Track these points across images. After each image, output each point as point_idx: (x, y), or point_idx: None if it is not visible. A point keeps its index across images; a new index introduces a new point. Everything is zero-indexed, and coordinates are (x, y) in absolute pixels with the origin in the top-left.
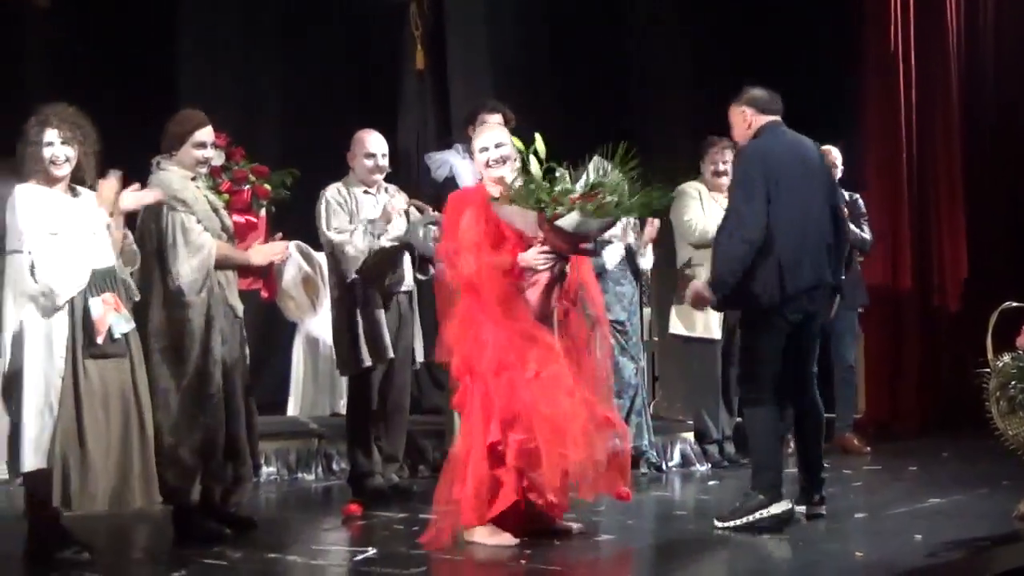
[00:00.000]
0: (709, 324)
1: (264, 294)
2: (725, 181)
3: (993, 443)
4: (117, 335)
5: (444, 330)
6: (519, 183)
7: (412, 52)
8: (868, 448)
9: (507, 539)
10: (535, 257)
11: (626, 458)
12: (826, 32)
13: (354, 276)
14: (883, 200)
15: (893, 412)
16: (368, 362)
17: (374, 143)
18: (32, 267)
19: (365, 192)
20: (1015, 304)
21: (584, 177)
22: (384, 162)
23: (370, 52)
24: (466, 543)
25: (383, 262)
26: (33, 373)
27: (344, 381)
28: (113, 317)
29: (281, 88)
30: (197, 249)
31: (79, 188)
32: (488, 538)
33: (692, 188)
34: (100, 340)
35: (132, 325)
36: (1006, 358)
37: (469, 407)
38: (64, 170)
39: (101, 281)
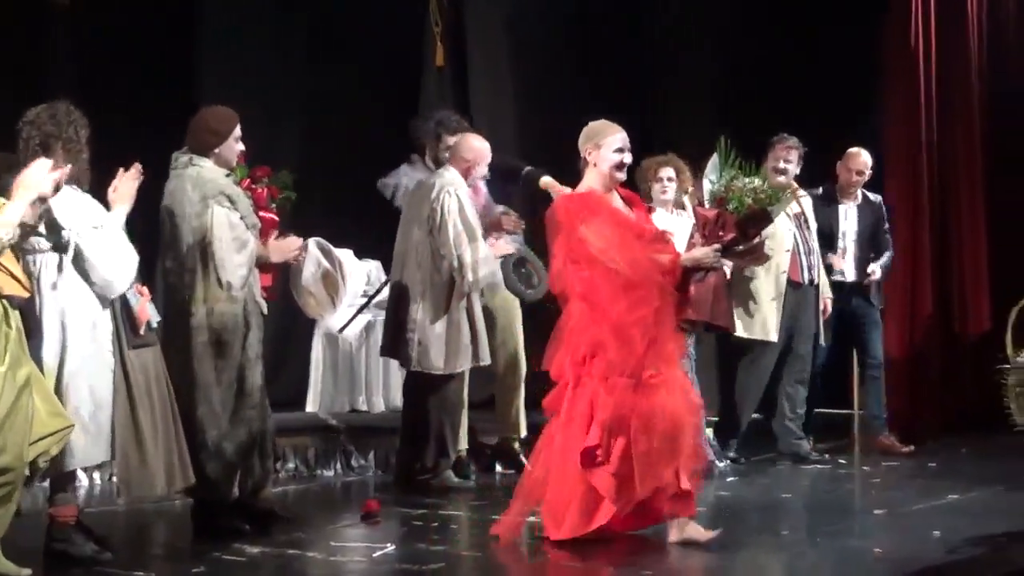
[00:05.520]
0: (767, 326)
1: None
2: (783, 180)
3: (1012, 439)
4: (154, 324)
5: (557, 342)
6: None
7: (432, 49)
8: (911, 447)
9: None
10: (706, 254)
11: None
12: (847, 30)
13: (476, 290)
14: (901, 201)
15: (914, 410)
16: (469, 364)
17: (489, 150)
18: (83, 261)
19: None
20: None
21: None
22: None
23: (390, 49)
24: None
25: None
26: (85, 368)
27: (363, 377)
28: (150, 307)
29: (301, 87)
30: (243, 244)
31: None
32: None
33: None
34: (142, 331)
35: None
36: None
37: (569, 412)
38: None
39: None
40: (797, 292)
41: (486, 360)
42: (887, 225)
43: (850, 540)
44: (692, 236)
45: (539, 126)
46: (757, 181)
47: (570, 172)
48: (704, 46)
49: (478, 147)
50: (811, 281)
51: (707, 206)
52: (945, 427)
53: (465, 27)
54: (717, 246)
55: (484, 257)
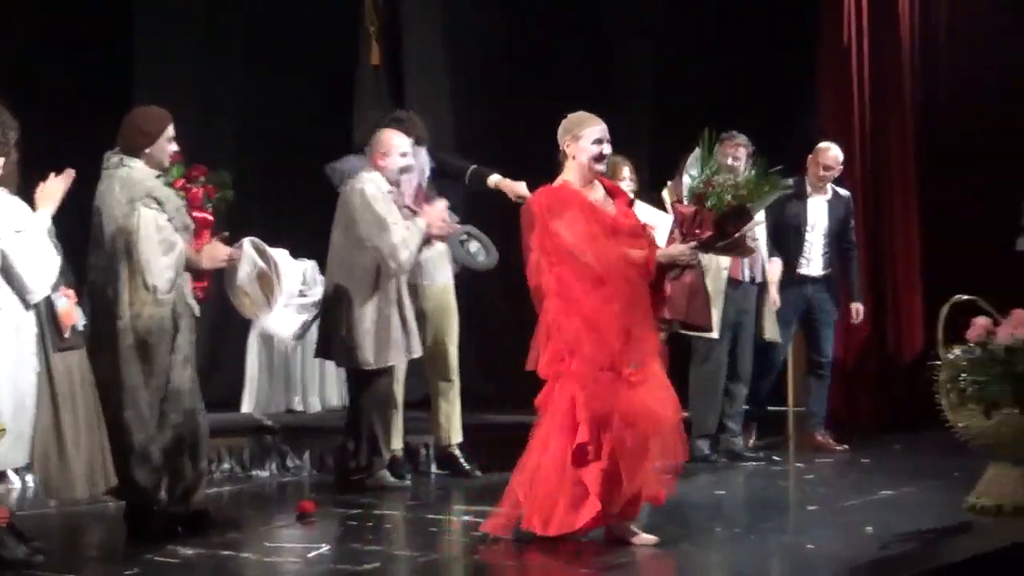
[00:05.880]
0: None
1: (199, 295)
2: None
3: (944, 436)
4: (80, 327)
5: (539, 339)
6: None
7: (367, 48)
8: (846, 445)
9: None
10: (682, 252)
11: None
12: (782, 28)
13: (405, 272)
14: None
15: (849, 408)
16: (403, 358)
17: (407, 143)
18: (5, 266)
19: (388, 191)
20: (965, 297)
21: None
22: (412, 162)
23: (326, 48)
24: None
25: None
26: (7, 371)
27: (301, 377)
28: (76, 310)
29: (237, 86)
30: (170, 247)
31: None
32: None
33: None
34: (67, 334)
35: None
36: (957, 351)
37: (553, 408)
38: None
39: (59, 276)
40: (738, 290)
41: (418, 353)
42: (853, 223)
43: (784, 536)
44: (672, 232)
45: (476, 124)
46: (738, 177)
47: (510, 169)
48: (640, 44)
49: (387, 141)
50: (753, 279)
51: (686, 202)
52: (879, 424)
53: (401, 26)
54: (694, 243)
55: (401, 241)
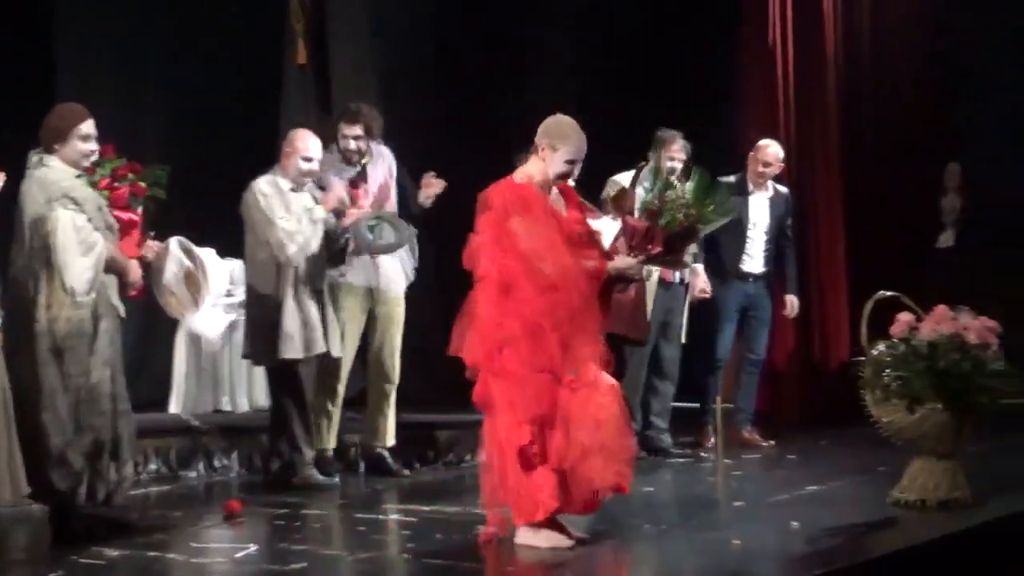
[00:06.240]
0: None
1: (132, 292)
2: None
3: (868, 431)
4: None
5: (467, 325)
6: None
7: (294, 47)
8: (772, 441)
9: (561, 540)
10: (631, 266)
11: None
12: (707, 29)
13: (299, 264)
14: None
15: (775, 404)
16: (301, 353)
17: (314, 148)
18: None
19: (292, 190)
20: (889, 294)
21: (679, 186)
22: (316, 167)
23: (252, 47)
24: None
25: (315, 256)
26: None
27: (227, 377)
28: None
29: (162, 86)
30: (89, 248)
31: None
32: (542, 541)
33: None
34: None
35: None
36: (880, 347)
37: (497, 404)
38: None
39: None
40: (668, 292)
41: (320, 350)
42: (790, 220)
43: (711, 532)
44: (616, 239)
45: (403, 123)
46: (689, 195)
47: (438, 166)
48: (563, 43)
49: (294, 141)
50: (682, 280)
51: (637, 215)
52: (805, 420)
53: (327, 25)
54: (642, 257)
55: (286, 235)
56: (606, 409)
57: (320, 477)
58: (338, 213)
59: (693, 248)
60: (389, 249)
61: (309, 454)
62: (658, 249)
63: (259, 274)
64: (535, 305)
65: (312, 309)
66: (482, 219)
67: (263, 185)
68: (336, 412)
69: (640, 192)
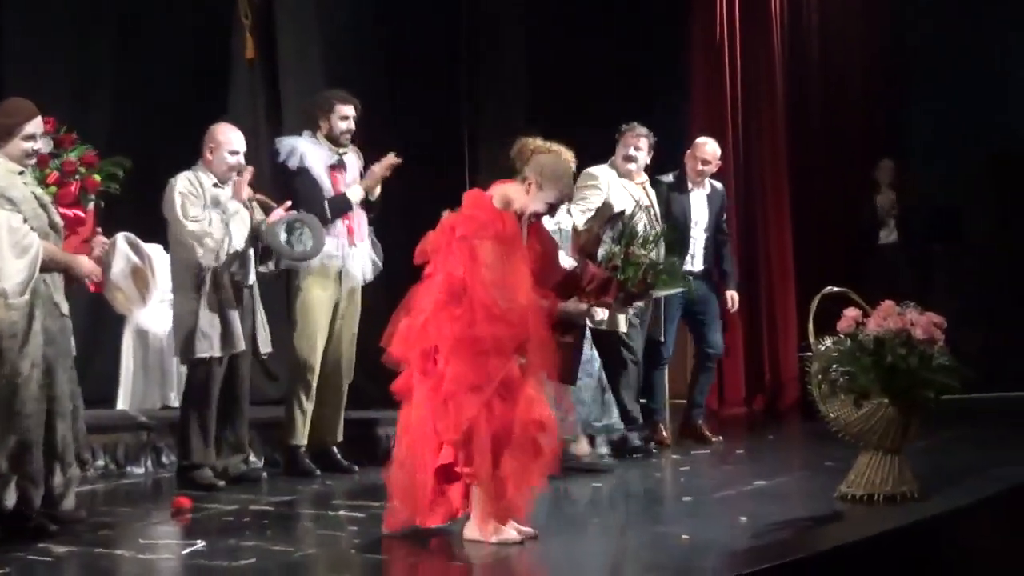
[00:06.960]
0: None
1: (91, 287)
2: (633, 168)
3: (816, 426)
4: None
5: (402, 318)
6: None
7: (242, 41)
8: (720, 436)
9: (509, 535)
10: (580, 313)
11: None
12: (656, 25)
13: (211, 265)
14: None
15: (721, 398)
16: (218, 351)
17: (238, 141)
18: None
19: (215, 185)
20: (836, 289)
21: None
22: (242, 160)
23: (199, 41)
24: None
25: (234, 253)
26: None
27: (175, 373)
28: None
29: (109, 80)
30: (23, 250)
31: None
32: (489, 535)
33: (599, 171)
34: None
35: None
36: (827, 342)
37: (415, 401)
38: None
39: None
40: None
41: (239, 348)
42: (725, 216)
43: (658, 527)
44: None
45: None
46: (653, 254)
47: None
48: (514, 39)
49: (216, 136)
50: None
51: (600, 261)
52: (753, 415)
53: (275, 20)
54: (592, 304)
55: (197, 235)
56: (536, 422)
57: (209, 476)
58: (266, 209)
59: (640, 304)
60: (303, 258)
61: (201, 454)
62: (611, 299)
63: (178, 272)
64: (483, 330)
65: (230, 307)
66: (450, 220)
67: (181, 183)
68: (310, 407)
69: (607, 240)
